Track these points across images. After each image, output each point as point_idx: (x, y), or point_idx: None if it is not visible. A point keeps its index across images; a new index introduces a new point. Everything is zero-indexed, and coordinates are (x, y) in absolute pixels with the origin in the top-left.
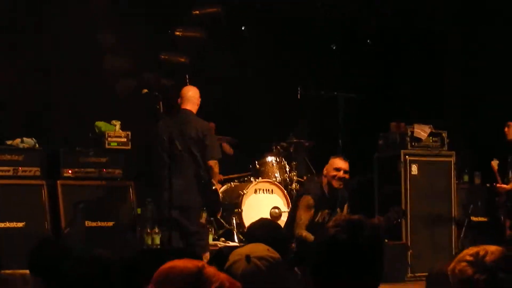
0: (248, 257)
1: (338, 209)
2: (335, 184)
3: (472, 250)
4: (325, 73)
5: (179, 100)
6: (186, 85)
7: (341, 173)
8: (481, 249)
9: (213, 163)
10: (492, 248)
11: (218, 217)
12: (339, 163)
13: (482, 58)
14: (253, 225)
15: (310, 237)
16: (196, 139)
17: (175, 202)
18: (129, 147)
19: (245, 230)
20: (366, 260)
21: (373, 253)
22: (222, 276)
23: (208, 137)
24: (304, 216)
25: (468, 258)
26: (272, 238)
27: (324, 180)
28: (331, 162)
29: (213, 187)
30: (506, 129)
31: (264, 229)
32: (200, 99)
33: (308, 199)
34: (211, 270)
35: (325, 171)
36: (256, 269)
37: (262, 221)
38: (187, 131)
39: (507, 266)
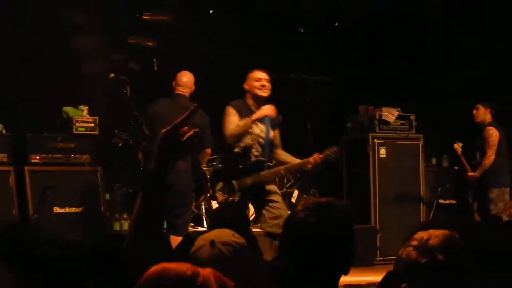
0: (212, 242)
1: (271, 130)
2: (262, 93)
3: (419, 235)
4: (294, 56)
5: (174, 83)
6: (153, 69)
7: (263, 81)
8: (427, 233)
9: (209, 151)
10: (438, 232)
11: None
12: (258, 73)
13: (450, 42)
14: (218, 209)
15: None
16: (198, 126)
17: (174, 185)
18: (97, 132)
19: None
20: (336, 244)
21: (343, 236)
22: (219, 279)
23: (209, 127)
24: (229, 125)
25: (414, 242)
26: (238, 220)
27: (248, 96)
28: (250, 76)
29: (203, 172)
30: (474, 111)
31: (230, 212)
32: (194, 86)
33: (227, 108)
34: (206, 273)
35: (246, 87)
36: (221, 254)
37: (227, 204)
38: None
39: (448, 249)
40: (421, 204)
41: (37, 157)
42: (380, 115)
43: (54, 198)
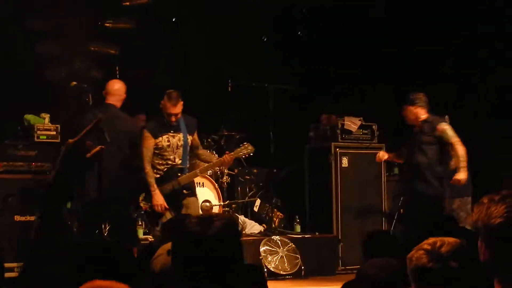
0: (169, 252)
1: (188, 135)
2: (173, 122)
3: (430, 240)
4: (255, 65)
5: (104, 93)
6: (116, 77)
7: (173, 117)
8: (439, 239)
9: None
10: (450, 239)
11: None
12: (171, 109)
13: (413, 49)
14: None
15: (151, 174)
16: (127, 134)
17: (106, 195)
18: (58, 140)
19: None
20: (219, 253)
21: (224, 245)
22: None
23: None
24: (145, 151)
25: (426, 247)
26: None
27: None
28: (165, 105)
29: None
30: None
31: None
32: (125, 94)
33: (143, 132)
34: None
35: (162, 106)
36: None
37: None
38: (117, 126)
39: (461, 257)
40: (383, 213)
41: None
42: (343, 124)
43: (15, 206)
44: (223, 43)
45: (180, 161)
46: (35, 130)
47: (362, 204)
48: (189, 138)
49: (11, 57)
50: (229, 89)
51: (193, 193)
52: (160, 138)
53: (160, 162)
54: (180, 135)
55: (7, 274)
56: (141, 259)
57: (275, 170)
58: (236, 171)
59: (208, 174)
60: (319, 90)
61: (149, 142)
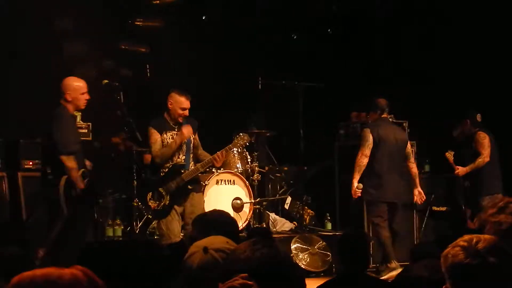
0: (205, 249)
1: (192, 136)
2: (181, 120)
3: (466, 237)
4: (285, 63)
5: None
6: (146, 74)
7: (186, 111)
8: (475, 236)
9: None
10: (486, 236)
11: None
12: (185, 102)
13: (442, 50)
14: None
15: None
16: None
17: None
18: (90, 138)
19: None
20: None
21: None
22: (89, 275)
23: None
24: (153, 144)
25: (462, 243)
26: (227, 226)
27: (168, 114)
28: (178, 100)
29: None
30: (464, 127)
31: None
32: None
33: (149, 130)
34: (74, 272)
35: (170, 105)
36: (213, 260)
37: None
38: None
39: (499, 253)
40: (414, 211)
41: (30, 163)
42: None
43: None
44: (253, 41)
45: (183, 158)
46: None
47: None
48: (192, 137)
49: (41, 57)
50: (259, 87)
51: (197, 189)
52: (165, 135)
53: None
54: None
55: None
56: (172, 256)
57: (305, 168)
58: (266, 168)
59: (239, 171)
60: (349, 88)
61: (156, 137)
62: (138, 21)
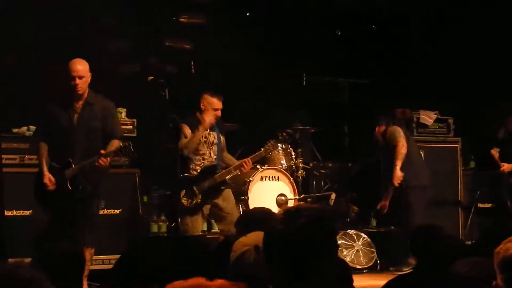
0: (257, 248)
1: (221, 136)
2: (213, 121)
3: None
4: (329, 59)
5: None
6: (191, 71)
7: (218, 113)
8: None
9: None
10: None
11: None
12: (217, 103)
13: (491, 48)
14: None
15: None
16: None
17: None
18: (135, 134)
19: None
20: (306, 247)
21: (311, 239)
22: None
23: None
24: (190, 140)
25: None
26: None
27: (200, 113)
28: (210, 101)
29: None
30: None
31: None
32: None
33: (182, 127)
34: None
35: (202, 107)
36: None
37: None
38: None
39: None
40: (459, 207)
41: None
42: (418, 118)
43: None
44: (298, 37)
45: (215, 157)
46: None
47: (438, 197)
48: (222, 138)
49: (87, 52)
50: (304, 83)
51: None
52: (197, 133)
53: (196, 157)
54: (215, 134)
55: (100, 267)
56: (218, 253)
57: (350, 164)
58: (311, 165)
59: (283, 168)
60: (393, 84)
61: (186, 132)
62: (182, 18)
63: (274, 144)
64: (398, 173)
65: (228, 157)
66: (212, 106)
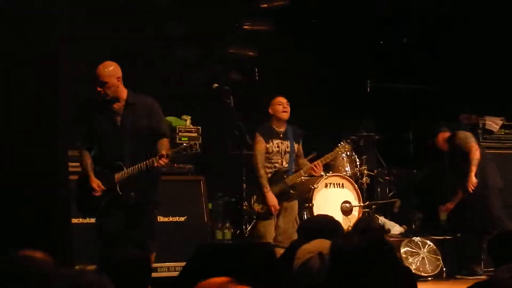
0: (321, 255)
1: (295, 143)
2: (285, 116)
3: None
4: (394, 66)
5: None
6: (255, 79)
7: (285, 104)
8: None
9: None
10: None
11: None
12: (279, 98)
13: None
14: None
15: (265, 176)
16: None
17: None
18: (200, 142)
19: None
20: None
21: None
22: None
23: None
24: (258, 154)
25: None
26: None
27: (272, 119)
28: (274, 101)
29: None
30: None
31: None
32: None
33: (256, 136)
34: None
35: (270, 111)
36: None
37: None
38: None
39: None
40: None
41: None
42: (484, 124)
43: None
44: (362, 44)
45: (286, 165)
46: (177, 132)
47: (506, 204)
48: (295, 146)
49: (152, 60)
50: (368, 90)
51: (295, 196)
52: (271, 143)
53: (268, 165)
54: (288, 143)
55: (166, 274)
56: (283, 260)
57: (414, 171)
58: (375, 171)
59: (348, 175)
60: (457, 90)
61: (261, 146)
62: (246, 25)
63: (344, 146)
64: (473, 179)
65: (304, 163)
66: (277, 102)
